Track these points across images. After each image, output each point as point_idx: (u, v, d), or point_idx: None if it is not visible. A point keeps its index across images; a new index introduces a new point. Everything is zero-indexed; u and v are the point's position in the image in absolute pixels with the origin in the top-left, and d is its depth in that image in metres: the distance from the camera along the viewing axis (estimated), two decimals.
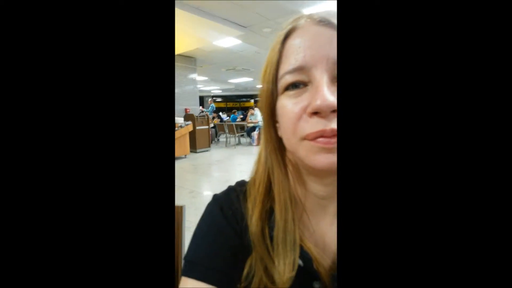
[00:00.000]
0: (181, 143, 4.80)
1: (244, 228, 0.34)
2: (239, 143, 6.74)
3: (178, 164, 4.35)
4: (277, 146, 0.34)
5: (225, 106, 17.13)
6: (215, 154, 5.41)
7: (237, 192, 0.37)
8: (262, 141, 0.37)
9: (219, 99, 17.51)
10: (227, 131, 6.70)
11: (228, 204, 0.36)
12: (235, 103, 17.19)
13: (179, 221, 0.61)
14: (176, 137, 4.64)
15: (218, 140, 7.63)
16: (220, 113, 9.41)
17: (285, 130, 0.31)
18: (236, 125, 6.50)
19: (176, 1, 3.19)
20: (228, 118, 8.72)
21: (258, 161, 0.37)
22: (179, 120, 4.96)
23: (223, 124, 6.90)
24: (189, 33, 4.28)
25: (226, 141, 6.90)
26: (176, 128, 4.65)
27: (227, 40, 4.70)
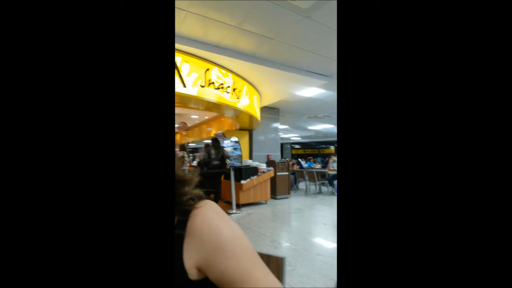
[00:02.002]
0: (263, 188, 4.90)
1: None
2: (320, 192, 6.36)
3: (258, 210, 4.38)
4: None
5: (303, 152, 17.10)
6: (294, 202, 5.22)
7: None
8: None
9: (297, 146, 17.72)
10: (307, 178, 6.50)
11: None
12: (313, 150, 16.96)
13: (279, 272, 0.62)
14: (258, 182, 4.79)
15: (297, 187, 7.45)
16: (299, 159, 9.36)
17: None
18: (316, 172, 6.25)
19: (262, 59, 3.61)
20: (305, 165, 8.55)
21: None
22: (261, 165, 5.17)
23: (302, 171, 6.77)
24: (276, 88, 4.69)
25: (306, 189, 6.63)
26: (259, 173, 4.83)
27: (310, 90, 4.89)
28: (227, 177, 4.55)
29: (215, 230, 0.39)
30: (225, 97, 3.76)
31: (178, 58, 3.10)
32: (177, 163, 0.41)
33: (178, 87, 3.13)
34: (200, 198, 0.44)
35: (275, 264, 0.62)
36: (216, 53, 3.26)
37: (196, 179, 0.46)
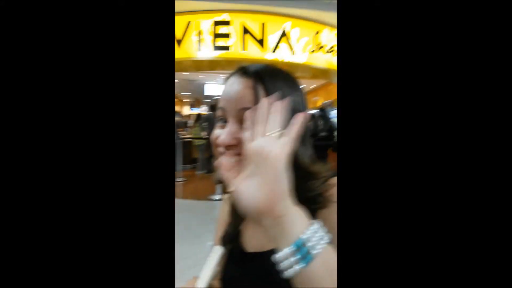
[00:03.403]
0: None
1: None
2: None
3: None
4: None
5: None
6: None
7: None
8: None
9: None
10: None
11: None
12: None
13: None
14: None
15: None
16: None
17: None
18: None
19: None
20: None
21: None
22: None
23: None
24: None
25: None
26: None
27: None
28: (336, 150, 4.30)
29: None
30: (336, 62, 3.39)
31: (288, 23, 2.97)
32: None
33: (286, 56, 3.04)
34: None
35: None
36: (328, 10, 2.89)
37: (325, 172, 0.34)
